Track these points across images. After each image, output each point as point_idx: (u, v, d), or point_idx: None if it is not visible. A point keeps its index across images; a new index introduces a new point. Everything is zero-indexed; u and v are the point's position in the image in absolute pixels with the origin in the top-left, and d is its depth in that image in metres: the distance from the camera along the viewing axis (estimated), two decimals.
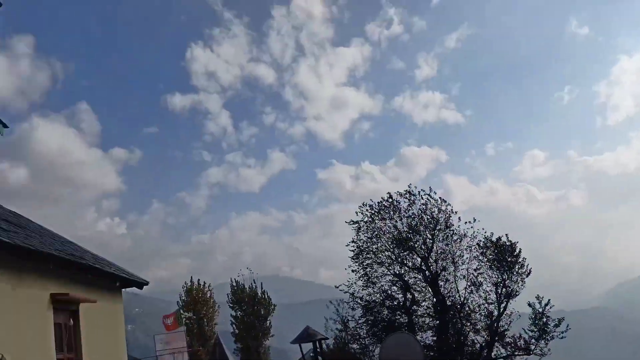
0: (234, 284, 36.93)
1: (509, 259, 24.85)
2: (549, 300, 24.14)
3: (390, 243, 26.53)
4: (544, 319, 23.88)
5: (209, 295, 36.25)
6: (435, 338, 25.69)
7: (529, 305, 24.25)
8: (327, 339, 26.50)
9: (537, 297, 24.30)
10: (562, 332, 23.79)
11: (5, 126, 11.63)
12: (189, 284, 36.33)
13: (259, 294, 36.34)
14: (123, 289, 13.29)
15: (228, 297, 36.78)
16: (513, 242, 25.32)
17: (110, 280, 12.00)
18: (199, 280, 36.90)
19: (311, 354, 24.98)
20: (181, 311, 31.89)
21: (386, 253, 26.70)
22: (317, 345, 19.99)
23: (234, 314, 36.04)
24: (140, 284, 13.54)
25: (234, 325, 35.90)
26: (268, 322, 36.01)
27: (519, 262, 24.91)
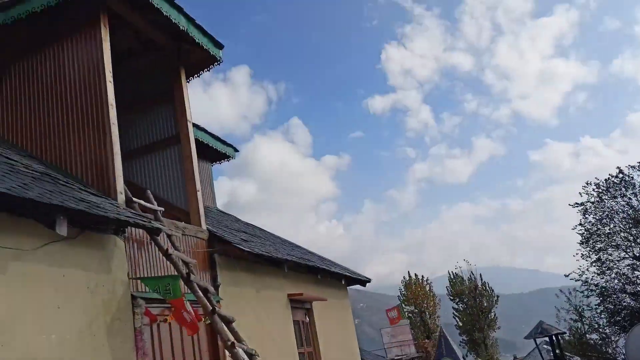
0: (452, 276, 36.58)
1: None
2: None
3: (625, 223, 24.02)
4: None
5: (428, 288, 36.45)
6: None
7: None
8: (565, 333, 24.78)
9: None
10: None
11: (235, 150, 13.34)
12: (407, 278, 36.97)
13: (479, 286, 35.41)
14: (348, 287, 14.14)
15: (447, 289, 36.57)
16: None
17: (336, 279, 12.85)
18: (416, 274, 37.39)
19: (544, 346, 23.52)
20: (402, 305, 32.62)
21: (622, 234, 24.26)
22: (555, 340, 18.73)
23: (455, 306, 35.69)
24: (364, 281, 14.24)
25: (456, 318, 35.56)
26: (492, 313, 34.89)
27: None
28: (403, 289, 36.70)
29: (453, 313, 35.77)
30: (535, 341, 19.87)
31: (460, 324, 35.14)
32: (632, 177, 23.93)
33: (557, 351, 18.61)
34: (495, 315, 34.96)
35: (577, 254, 25.35)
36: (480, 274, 36.29)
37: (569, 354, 23.49)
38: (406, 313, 31.54)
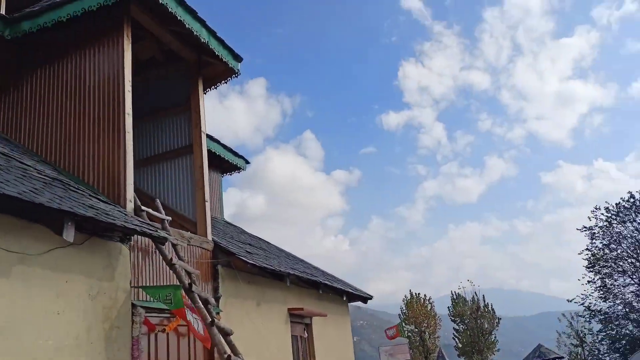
0: (455, 296, 36.38)
1: None
2: None
3: (633, 249, 23.88)
4: None
5: (429, 308, 36.25)
6: None
7: None
8: (563, 358, 24.61)
9: None
10: None
11: (247, 162, 13.44)
12: (409, 297, 36.79)
13: (482, 307, 35.18)
14: (349, 303, 14.10)
15: (449, 310, 36.36)
16: None
17: (337, 294, 12.83)
18: (418, 293, 37.19)
19: None
20: (403, 324, 32.42)
21: (629, 260, 24.10)
22: None
23: (456, 327, 35.46)
24: (365, 298, 14.20)
25: (456, 339, 35.31)
26: (493, 336, 34.60)
27: None
28: (404, 308, 36.51)
29: (453, 334, 35.54)
30: None
31: (460, 345, 34.89)
32: None
33: None
34: (495, 337, 34.69)
35: (582, 278, 25.23)
36: (484, 295, 36.06)
37: None
38: (406, 332, 31.38)
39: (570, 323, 26.91)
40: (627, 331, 23.92)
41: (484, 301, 35.56)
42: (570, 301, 25.93)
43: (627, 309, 24.08)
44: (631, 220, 24.13)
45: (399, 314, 36.47)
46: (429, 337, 34.63)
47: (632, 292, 24.23)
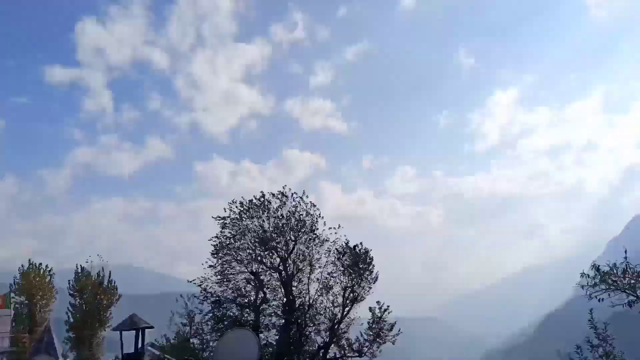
0: (79, 270, 34.60)
1: (361, 266, 25.84)
2: (387, 306, 25.57)
3: (253, 242, 26.49)
4: (381, 324, 25.32)
5: (48, 279, 33.57)
6: (277, 337, 26.14)
7: (370, 310, 25.53)
8: (152, 327, 25.63)
9: (378, 303, 25.61)
10: (394, 337, 25.37)
11: None
12: (26, 266, 33.42)
13: (105, 283, 34.38)
14: None
15: (69, 283, 34.36)
16: (367, 249, 26.39)
17: None
18: (40, 264, 34.04)
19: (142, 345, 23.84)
20: (12, 295, 29.21)
21: (247, 251, 26.62)
22: (140, 335, 19.14)
23: (73, 301, 33.73)
24: None
25: (69, 314, 33.60)
26: (109, 312, 34.16)
27: (369, 269, 26.08)
28: (19, 278, 32.95)
29: (68, 308, 33.68)
30: (120, 334, 19.97)
31: (72, 320, 33.29)
32: (270, 203, 26.80)
33: (140, 345, 19.11)
34: (111, 314, 34.30)
35: (206, 262, 26.89)
36: (110, 271, 35.28)
37: (168, 357, 24.35)
38: (14, 304, 28.25)
39: (186, 303, 28.24)
40: (232, 313, 26.51)
41: (109, 277, 34.84)
42: (190, 282, 27.31)
43: (236, 294, 26.68)
44: (258, 216, 26.78)
45: (11, 284, 32.66)
46: (40, 310, 31.99)
47: (243, 279, 26.89)
